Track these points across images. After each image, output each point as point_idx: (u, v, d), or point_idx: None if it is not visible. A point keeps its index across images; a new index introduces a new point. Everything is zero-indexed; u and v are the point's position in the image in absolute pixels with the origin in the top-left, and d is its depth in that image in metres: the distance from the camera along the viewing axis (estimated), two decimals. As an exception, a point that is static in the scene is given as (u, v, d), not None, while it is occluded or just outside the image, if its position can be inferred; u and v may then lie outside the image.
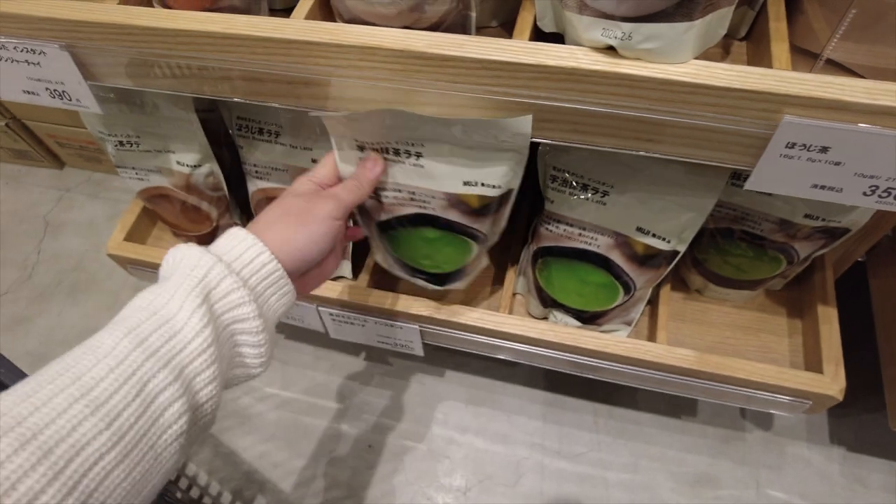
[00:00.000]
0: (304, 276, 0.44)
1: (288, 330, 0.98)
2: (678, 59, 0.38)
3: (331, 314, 0.72)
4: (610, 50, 0.39)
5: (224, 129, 0.70)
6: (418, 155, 0.52)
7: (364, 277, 0.72)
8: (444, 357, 0.94)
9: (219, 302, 0.37)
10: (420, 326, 0.69)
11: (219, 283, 0.37)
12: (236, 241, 0.39)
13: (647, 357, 0.62)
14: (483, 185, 0.53)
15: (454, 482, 0.84)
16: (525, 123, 0.50)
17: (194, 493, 0.87)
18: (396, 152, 0.52)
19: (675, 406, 0.88)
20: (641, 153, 0.44)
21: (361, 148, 0.52)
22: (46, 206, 1.19)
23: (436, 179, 0.53)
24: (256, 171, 0.66)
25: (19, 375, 0.62)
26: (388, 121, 0.48)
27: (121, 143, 0.67)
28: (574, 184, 0.57)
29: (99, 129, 0.66)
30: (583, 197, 0.57)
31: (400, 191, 0.55)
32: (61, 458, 0.28)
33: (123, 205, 1.19)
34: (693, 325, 0.71)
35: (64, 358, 0.32)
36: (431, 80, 0.42)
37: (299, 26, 0.43)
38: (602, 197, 0.57)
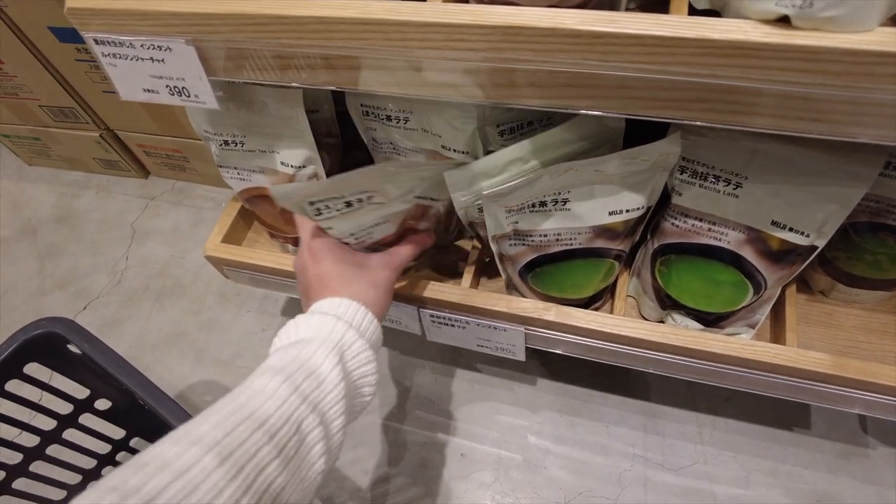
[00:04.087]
0: None
1: (373, 335, 0.97)
2: (862, 28, 0.35)
3: (431, 316, 0.70)
4: (780, 22, 0.36)
5: (325, 130, 0.69)
6: (565, 201, 0.53)
7: (466, 278, 0.70)
8: (535, 365, 0.91)
9: (351, 360, 0.47)
10: (526, 329, 0.66)
11: (351, 345, 0.47)
12: (353, 308, 0.50)
13: (778, 361, 0.58)
14: (628, 210, 0.54)
15: (552, 494, 0.80)
16: (675, 142, 0.48)
17: (284, 499, 0.86)
18: (543, 204, 0.53)
19: (786, 418, 0.83)
20: (800, 135, 0.40)
21: (510, 211, 0.54)
22: (133, 214, 1.22)
23: (582, 218, 0.54)
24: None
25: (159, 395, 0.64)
26: (545, 178, 0.50)
27: (226, 142, 0.67)
28: (705, 175, 0.54)
29: (205, 128, 0.67)
30: (714, 189, 0.54)
31: (546, 235, 0.56)
32: (249, 476, 0.34)
33: (206, 212, 1.21)
34: (820, 328, 0.67)
35: (236, 397, 0.39)
36: (579, 59, 0.40)
37: (438, 9, 0.41)
38: (735, 189, 0.53)
